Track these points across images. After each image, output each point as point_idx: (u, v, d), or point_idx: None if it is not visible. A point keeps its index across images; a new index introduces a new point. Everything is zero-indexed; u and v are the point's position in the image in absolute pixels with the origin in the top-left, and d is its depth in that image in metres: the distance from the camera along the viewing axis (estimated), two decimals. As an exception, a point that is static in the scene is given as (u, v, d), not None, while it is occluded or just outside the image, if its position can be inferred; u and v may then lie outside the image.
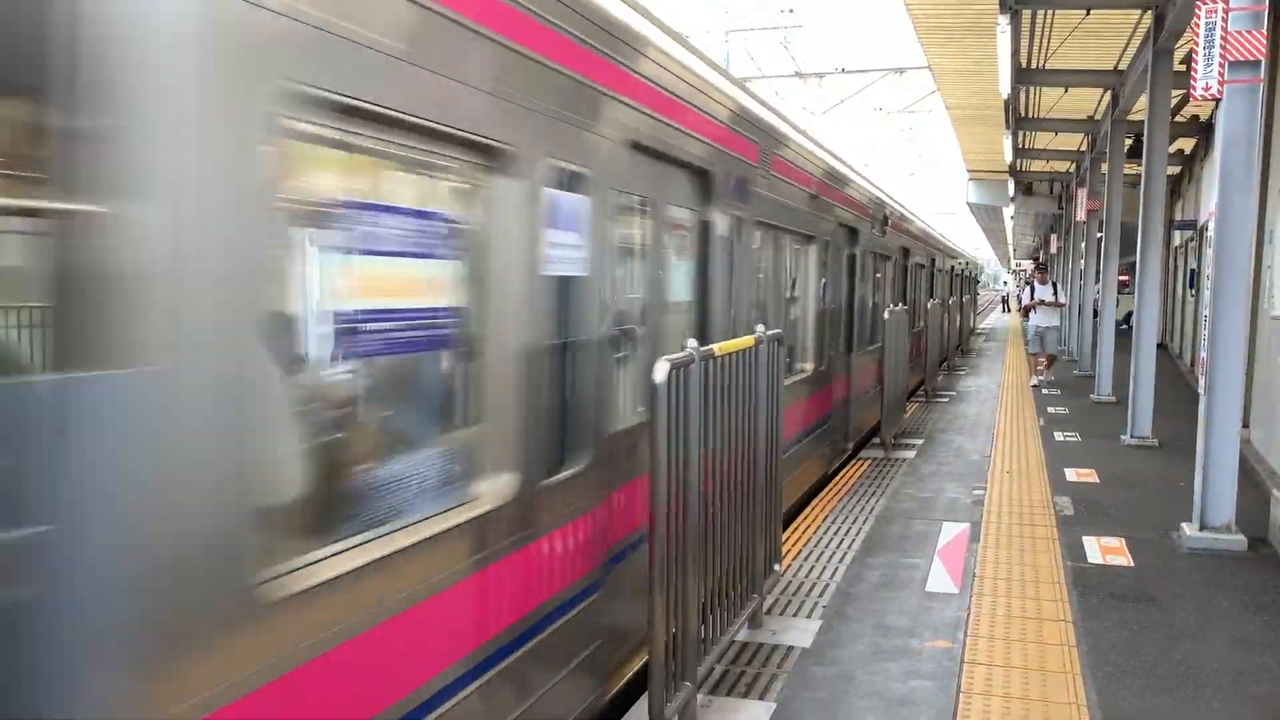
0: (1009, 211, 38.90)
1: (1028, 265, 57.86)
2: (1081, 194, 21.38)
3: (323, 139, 2.75)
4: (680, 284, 5.66)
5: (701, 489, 4.30)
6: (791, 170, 7.89)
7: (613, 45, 4.31)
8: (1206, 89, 7.25)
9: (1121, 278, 20.16)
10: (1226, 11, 7.02)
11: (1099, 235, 18.90)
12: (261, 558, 2.40)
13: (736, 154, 6.23)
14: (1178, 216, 23.20)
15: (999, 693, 4.79)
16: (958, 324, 23.83)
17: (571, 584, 4.05)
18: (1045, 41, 14.92)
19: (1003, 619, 5.75)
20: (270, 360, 2.53)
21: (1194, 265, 19.57)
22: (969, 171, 32.89)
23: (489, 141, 3.34)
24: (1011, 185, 31.07)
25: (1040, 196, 33.79)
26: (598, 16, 4.16)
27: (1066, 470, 10.04)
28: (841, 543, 7.36)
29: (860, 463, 10.62)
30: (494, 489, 3.48)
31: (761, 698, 4.70)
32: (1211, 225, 7.60)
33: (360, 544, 2.84)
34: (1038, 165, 28.66)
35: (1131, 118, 16.10)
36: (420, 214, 3.34)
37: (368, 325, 3.07)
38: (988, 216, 46.12)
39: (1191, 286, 19.93)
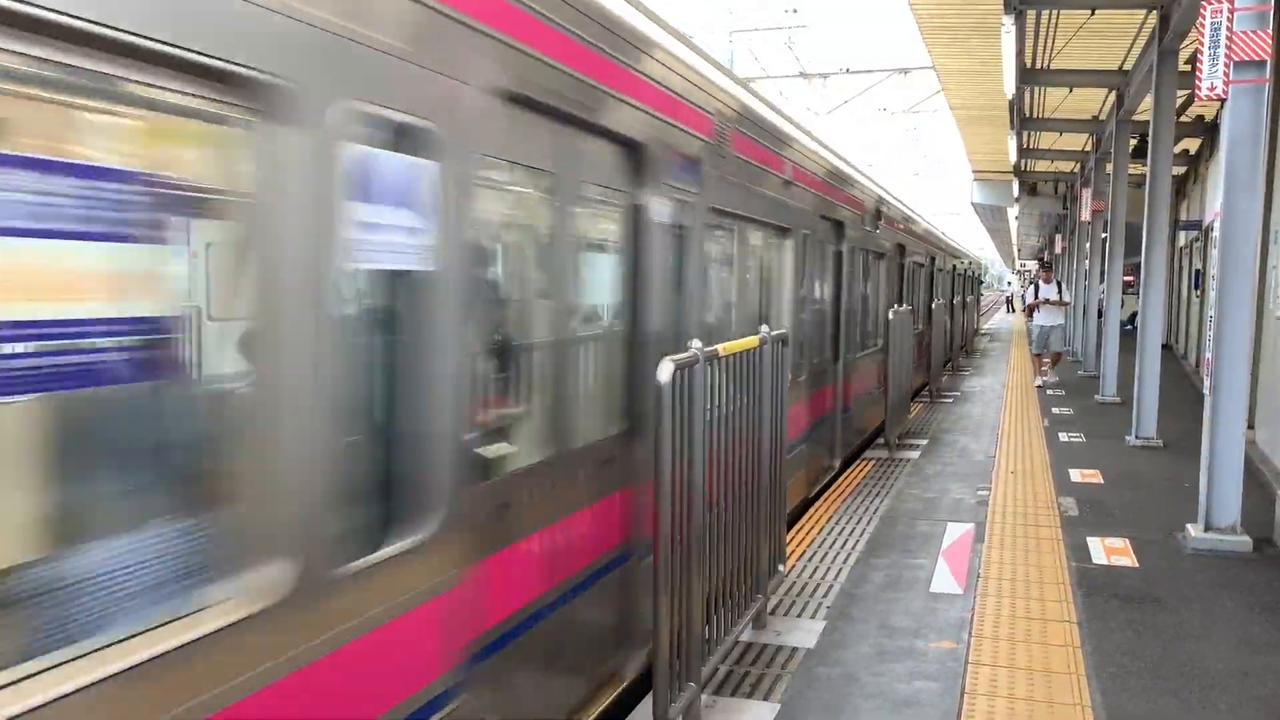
0: (1013, 212, 38.85)
1: (1032, 265, 57.79)
2: (1086, 194, 21.35)
3: None
4: (602, 282, 4.69)
5: (706, 489, 4.30)
6: (759, 151, 6.82)
7: None
8: (1212, 89, 7.24)
9: (1126, 278, 20.15)
10: (1232, 11, 7.01)
11: (1104, 236, 18.87)
12: None
13: (682, 126, 5.16)
14: (1183, 217, 23.15)
15: (1003, 694, 4.78)
16: (961, 325, 23.79)
17: (400, 703, 2.95)
18: (1050, 41, 14.90)
19: (1007, 620, 5.74)
20: None
21: (1199, 266, 19.53)
22: (974, 172, 32.84)
23: (238, 69, 2.29)
24: (1016, 185, 31.03)
25: (1045, 197, 33.74)
26: None
27: (1071, 471, 10.03)
28: (846, 543, 7.36)
29: (864, 463, 10.61)
30: (249, 587, 2.39)
31: (766, 698, 4.70)
32: (1217, 226, 7.59)
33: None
34: (1042, 165, 28.64)
35: (1136, 118, 16.09)
36: (117, 175, 2.23)
37: (16, 344, 2.09)
38: (992, 217, 46.05)
39: (1196, 287, 19.90)
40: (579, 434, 4.30)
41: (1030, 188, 32.50)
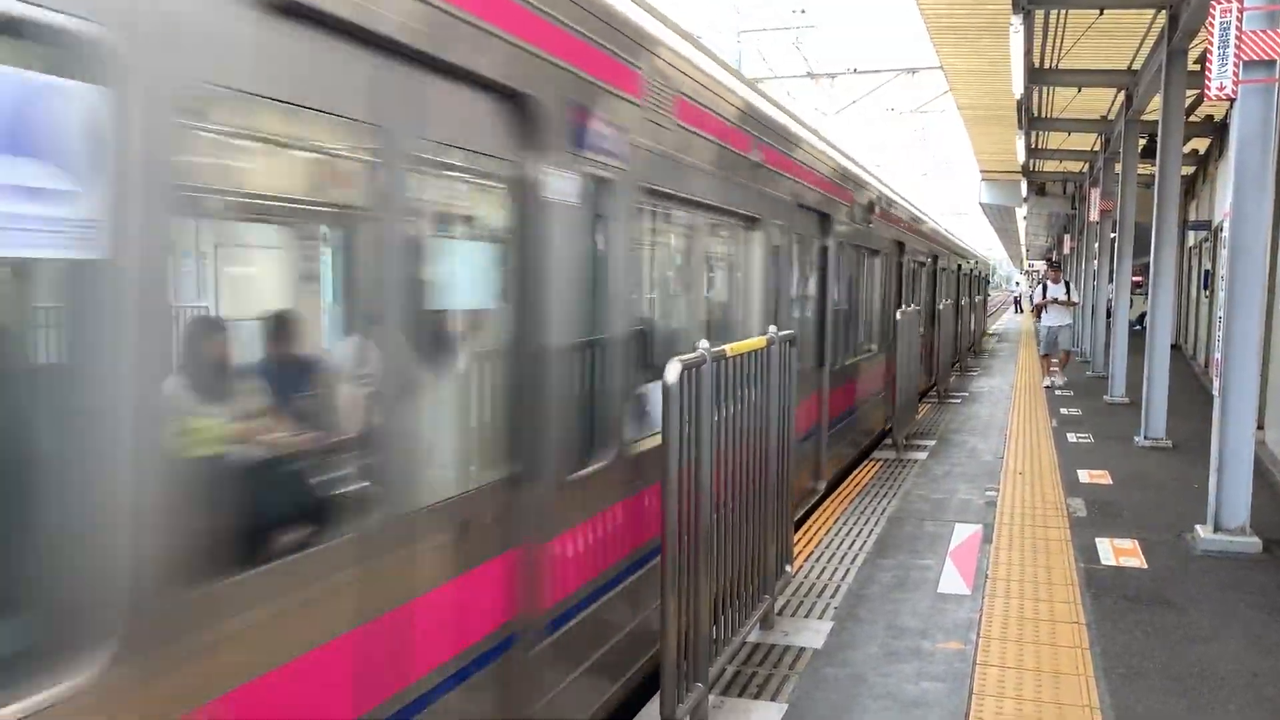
0: (1021, 212, 38.77)
1: (1040, 266, 57.72)
2: (1095, 194, 21.29)
3: None
4: (465, 278, 3.81)
5: (713, 489, 4.30)
6: (717, 124, 5.67)
7: None
8: (1221, 89, 7.21)
9: (1135, 278, 20.07)
10: (1241, 11, 6.98)
11: (1112, 236, 18.81)
12: None
13: (595, 79, 4.09)
14: (1192, 217, 23.08)
15: (1011, 694, 4.77)
16: (970, 326, 23.73)
17: None
18: (1058, 41, 14.86)
19: (1015, 621, 5.73)
20: None
21: (1208, 266, 19.47)
22: (981, 172, 32.78)
23: None
24: (1024, 185, 30.96)
25: (1053, 197, 33.66)
26: None
27: (1080, 472, 10.00)
28: (853, 544, 7.35)
29: (872, 464, 10.59)
30: None
31: (773, 699, 4.70)
32: (1226, 226, 7.56)
33: None
34: (1051, 165, 28.56)
35: (1145, 118, 16.03)
36: None
37: None
38: (1000, 217, 45.98)
39: (1206, 287, 19.83)
40: (419, 490, 3.11)
41: (1038, 188, 32.43)
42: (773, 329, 5.31)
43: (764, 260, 6.89)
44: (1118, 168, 17.59)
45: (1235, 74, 7.11)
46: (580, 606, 4.14)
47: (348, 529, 2.80)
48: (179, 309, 2.35)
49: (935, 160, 42.19)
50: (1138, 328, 18.45)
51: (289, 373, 2.91)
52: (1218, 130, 18.58)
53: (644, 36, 4.70)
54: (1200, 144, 21.11)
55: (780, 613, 5.75)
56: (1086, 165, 26.18)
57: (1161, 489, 9.33)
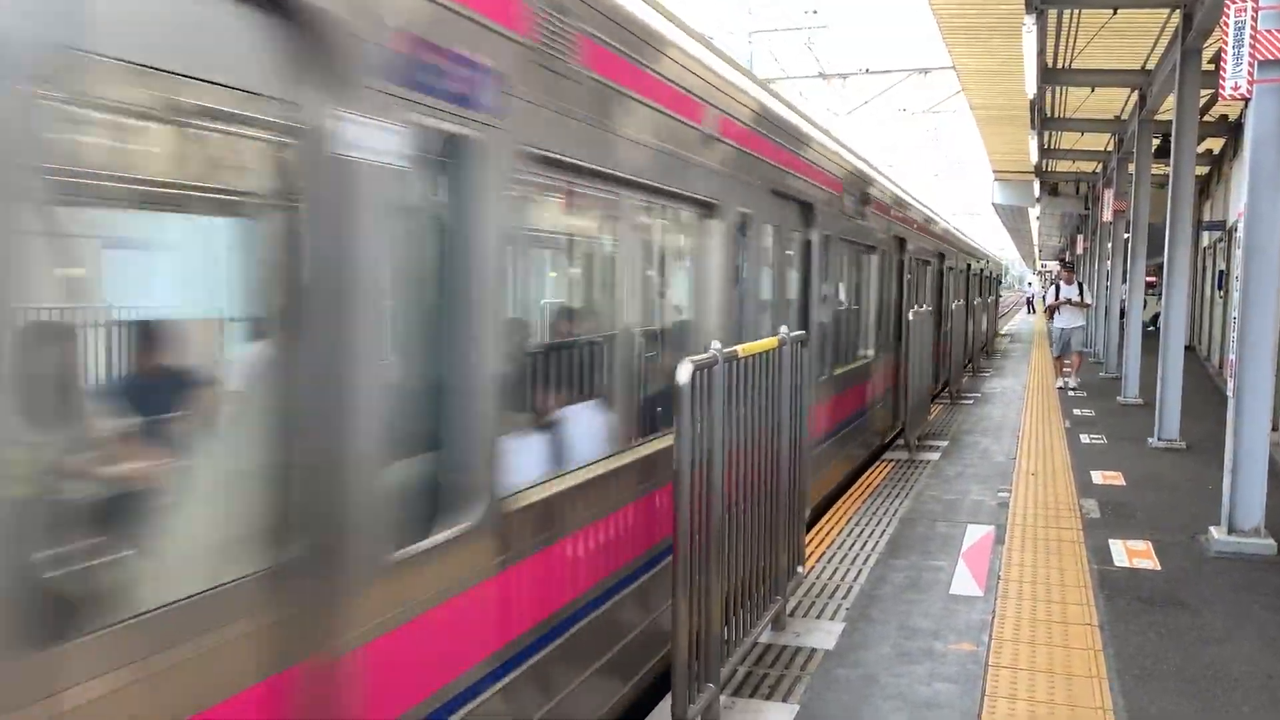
0: (1034, 212, 38.67)
1: (1053, 266, 57.52)
2: (1108, 194, 21.22)
3: None
4: (188, 271, 2.99)
5: (724, 490, 4.30)
6: (644, 79, 4.51)
7: None
8: (1235, 88, 7.18)
9: (1149, 279, 19.99)
10: (1256, 10, 6.95)
11: (1126, 236, 18.74)
12: None
13: None
14: (1206, 217, 22.96)
15: (1024, 696, 4.76)
16: (982, 328, 23.66)
17: None
18: (1072, 41, 14.82)
19: (1028, 622, 5.71)
20: None
21: (1223, 266, 19.38)
22: (994, 172, 32.69)
23: None
24: (1037, 186, 30.88)
25: (1066, 197, 33.55)
26: None
27: (1093, 473, 9.97)
28: (865, 545, 7.34)
29: (884, 464, 10.57)
30: None
31: (785, 700, 4.69)
32: (1241, 226, 7.53)
33: None
34: (1064, 166, 28.48)
35: (1159, 117, 15.98)
36: None
37: None
38: (1013, 217, 45.86)
39: (1220, 288, 19.74)
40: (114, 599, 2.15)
41: (1051, 188, 32.33)
42: (784, 329, 5.30)
43: (723, 256, 5.69)
44: (1131, 168, 17.52)
45: (1250, 73, 7.08)
46: None
47: None
48: None
49: (948, 161, 42.10)
50: (1151, 328, 18.37)
51: None
52: (1232, 130, 18.48)
53: None
54: (1214, 144, 21.01)
55: (792, 613, 5.75)
56: (1100, 165, 26.09)
57: (1175, 490, 9.29)
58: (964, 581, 6.47)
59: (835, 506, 8.59)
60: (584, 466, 4.24)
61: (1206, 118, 17.25)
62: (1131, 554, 7.15)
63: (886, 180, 12.48)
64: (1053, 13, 13.18)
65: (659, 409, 5.07)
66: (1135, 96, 17.01)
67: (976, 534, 7.62)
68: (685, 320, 5.69)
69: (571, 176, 4.21)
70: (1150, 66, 15.57)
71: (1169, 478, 9.84)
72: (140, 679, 2.10)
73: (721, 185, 5.60)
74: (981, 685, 4.87)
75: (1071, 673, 5.03)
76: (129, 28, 2.13)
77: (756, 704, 4.65)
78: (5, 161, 1.84)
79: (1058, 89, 17.96)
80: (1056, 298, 17.65)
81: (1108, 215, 21.21)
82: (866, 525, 7.92)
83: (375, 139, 2.74)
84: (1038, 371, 21.04)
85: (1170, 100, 12.53)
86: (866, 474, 10.06)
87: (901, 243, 12.73)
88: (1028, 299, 70.69)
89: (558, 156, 3.81)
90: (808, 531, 7.38)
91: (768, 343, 4.97)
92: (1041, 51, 13.95)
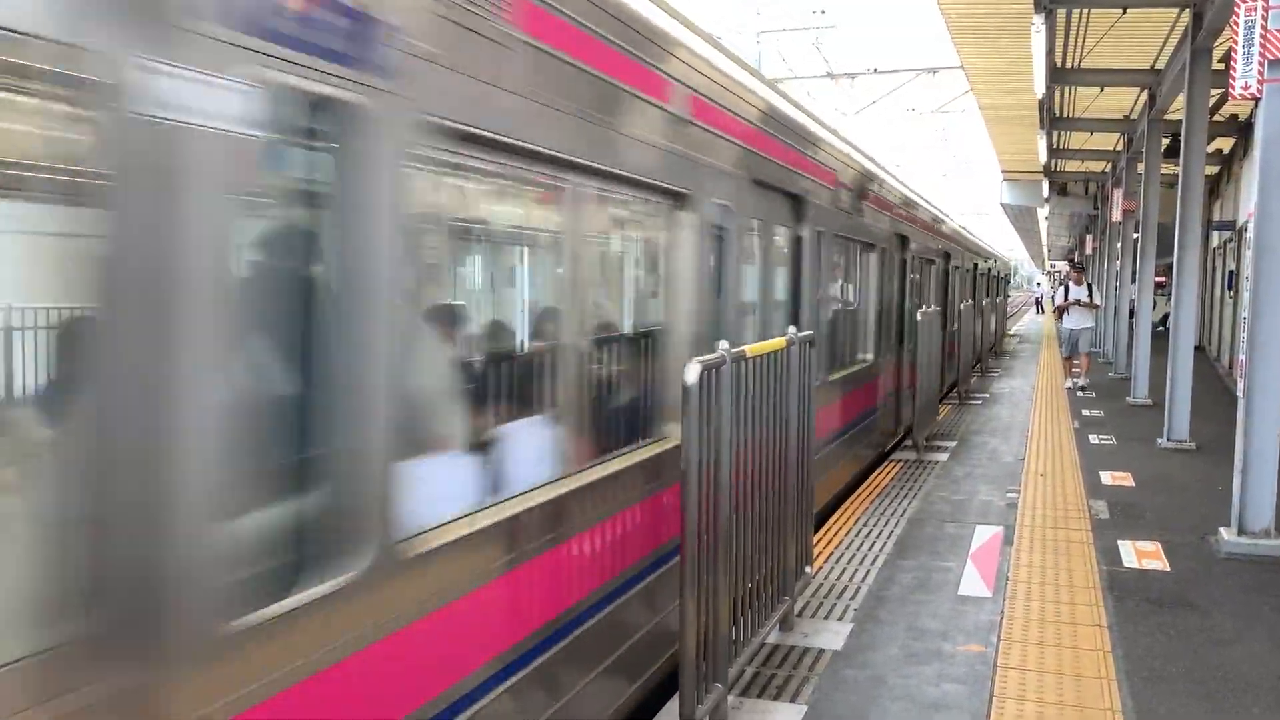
0: (1043, 212, 38.56)
1: (1062, 266, 57.38)
2: (1117, 194, 21.16)
3: None
4: None
5: (732, 490, 4.30)
6: (590, 46, 3.94)
7: None
8: (1245, 88, 7.15)
9: (1158, 279, 19.94)
10: (1266, 10, 6.92)
11: (1135, 236, 18.69)
12: None
13: None
14: (1216, 217, 22.90)
15: (1033, 697, 4.75)
16: (991, 329, 23.59)
17: None
18: (1080, 40, 14.78)
19: (1036, 623, 5.70)
20: None
21: (1233, 266, 19.31)
22: (1003, 172, 32.64)
23: None
24: (1046, 186, 30.82)
25: (1075, 197, 33.46)
26: None
27: (1102, 473, 9.94)
28: (873, 545, 7.33)
29: (892, 465, 10.56)
30: None
31: (792, 700, 4.69)
32: (1251, 226, 7.50)
33: None
34: (1073, 165, 28.42)
35: (1169, 117, 15.93)
36: None
37: None
38: (1022, 217, 45.74)
39: (1230, 288, 19.67)
40: None
41: (1060, 188, 32.26)
42: (792, 330, 5.30)
43: (696, 253, 5.10)
44: (1140, 167, 17.49)
45: (1260, 73, 7.05)
46: None
47: None
48: None
49: (956, 160, 42.04)
50: (1161, 329, 18.33)
51: None
52: (1242, 129, 18.43)
53: None
54: (1224, 143, 20.94)
55: (800, 614, 5.74)
56: (1109, 165, 26.01)
57: (1185, 491, 9.25)
58: (972, 582, 6.46)
59: (843, 507, 8.58)
60: (521, 495, 3.64)
61: (1216, 117, 17.21)
62: (1141, 555, 7.12)
63: (887, 174, 11.91)
64: (1061, 12, 13.13)
65: (619, 425, 4.67)
66: (1144, 96, 16.97)
67: (985, 534, 7.61)
68: (653, 325, 5.13)
69: (503, 157, 3.55)
70: (1160, 66, 15.52)
71: (1179, 478, 9.81)
72: None
73: (693, 173, 5.04)
74: (990, 686, 4.86)
75: (1080, 674, 5.01)
76: None
77: (764, 704, 4.65)
78: None
79: (1066, 89, 17.91)
80: (1065, 299, 17.60)
81: (1117, 215, 21.15)
82: (874, 526, 7.91)
83: (205, 99, 2.14)
84: (1046, 372, 20.98)
85: (1180, 100, 12.50)
86: (873, 476, 10.05)
87: (904, 240, 12.26)
88: (1036, 299, 70.54)
89: (479, 132, 3.19)
90: (819, 528, 7.41)
91: (775, 343, 4.97)
92: (1050, 51, 13.90)
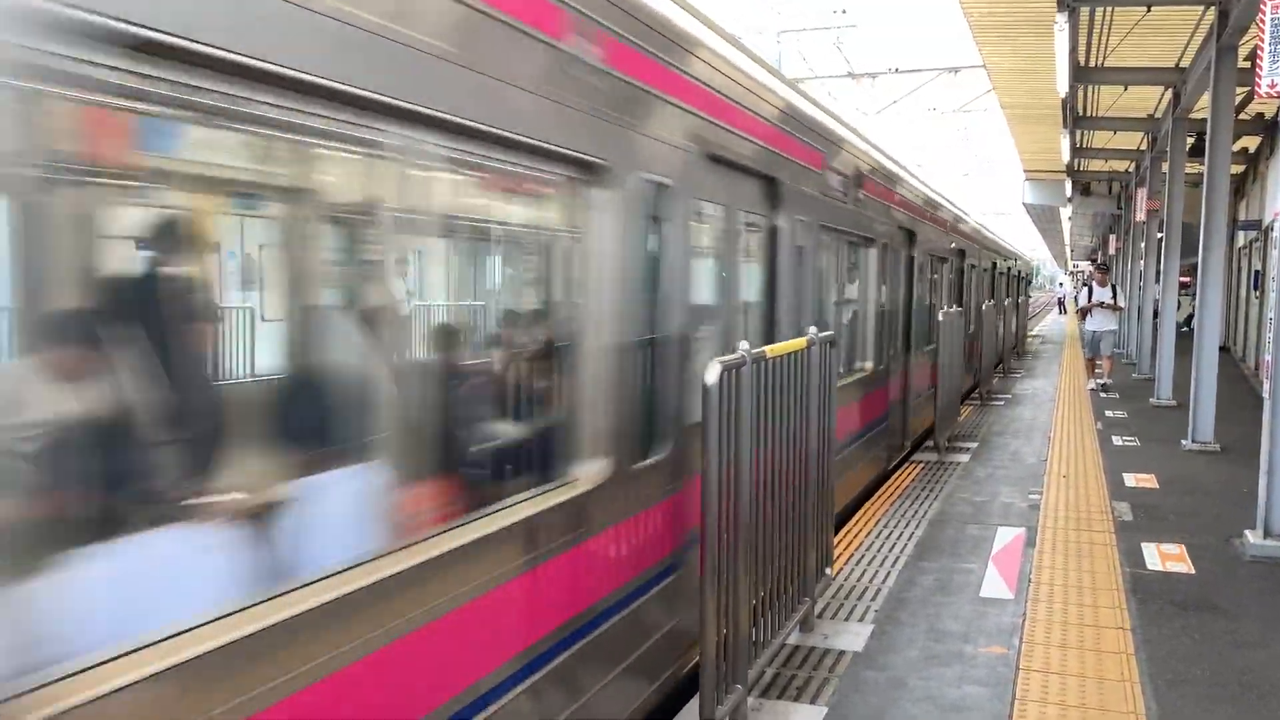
0: (1066, 212, 38.33)
1: (1085, 266, 57.00)
2: (1141, 194, 21.01)
3: None
4: None
5: (753, 490, 4.30)
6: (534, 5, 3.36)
7: None
8: (1272, 86, 7.09)
9: (1183, 279, 19.77)
10: (1293, 7, 6.87)
11: (1159, 236, 18.54)
12: None
13: None
14: (1241, 216, 22.70)
15: (1055, 700, 4.72)
16: (1013, 329, 23.45)
17: None
18: (1104, 39, 14.68)
19: (1059, 625, 5.67)
20: None
21: (1258, 266, 19.13)
22: (1025, 171, 32.45)
23: None
24: (1069, 185, 30.60)
25: (1098, 196, 33.25)
26: None
27: (1125, 475, 9.87)
28: (894, 547, 7.31)
29: (913, 466, 10.52)
30: None
31: (813, 702, 4.68)
32: (1276, 225, 7.43)
33: None
34: (1096, 165, 28.22)
35: (1194, 116, 15.79)
36: None
37: None
38: (1044, 217, 45.48)
39: (1256, 288, 19.49)
40: None
41: (1083, 187, 32.05)
42: (812, 330, 5.29)
43: (624, 242, 4.08)
44: (1165, 167, 17.33)
45: (1286, 71, 6.99)
46: None
47: None
48: None
49: (978, 160, 41.81)
50: (1185, 329, 18.17)
51: None
52: (1268, 128, 18.25)
53: None
54: (1250, 142, 20.75)
55: (820, 615, 5.73)
56: (1133, 164, 25.83)
57: (1209, 493, 9.18)
58: (994, 584, 6.43)
59: (864, 508, 8.56)
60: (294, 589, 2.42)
61: (1242, 116, 17.03)
62: (1164, 557, 7.07)
63: (891, 162, 10.71)
64: (1085, 10, 13.06)
65: (473, 475, 3.52)
66: (1169, 94, 16.83)
67: (1007, 536, 7.57)
68: (552, 331, 4.19)
69: (304, 102, 2.43)
70: (1184, 64, 15.40)
71: (1203, 480, 9.73)
72: None
73: (609, 138, 3.92)
74: (1012, 689, 4.84)
75: (1103, 677, 4.98)
76: None
77: (784, 705, 4.65)
78: None
79: (1090, 88, 17.80)
80: (1089, 300, 17.46)
81: (1141, 215, 21.00)
82: (895, 527, 7.88)
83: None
84: (1069, 372, 20.85)
85: (1205, 98, 12.38)
86: (893, 478, 10.01)
87: (910, 236, 11.25)
88: (1059, 299, 70.11)
89: (176, 40, 2.02)
90: (839, 530, 7.38)
91: (796, 343, 4.97)
92: (1073, 50, 13.82)
